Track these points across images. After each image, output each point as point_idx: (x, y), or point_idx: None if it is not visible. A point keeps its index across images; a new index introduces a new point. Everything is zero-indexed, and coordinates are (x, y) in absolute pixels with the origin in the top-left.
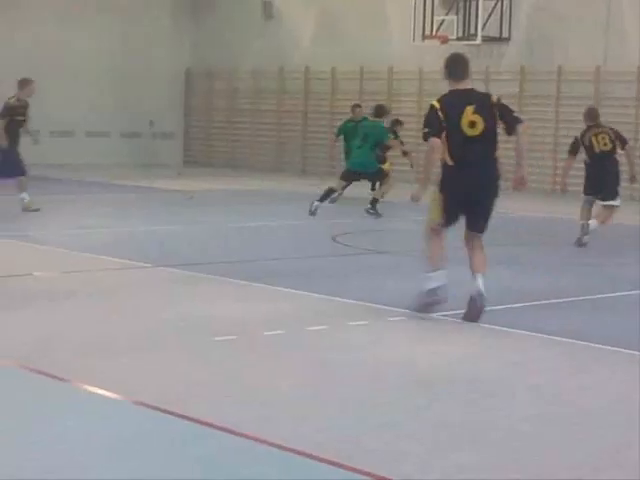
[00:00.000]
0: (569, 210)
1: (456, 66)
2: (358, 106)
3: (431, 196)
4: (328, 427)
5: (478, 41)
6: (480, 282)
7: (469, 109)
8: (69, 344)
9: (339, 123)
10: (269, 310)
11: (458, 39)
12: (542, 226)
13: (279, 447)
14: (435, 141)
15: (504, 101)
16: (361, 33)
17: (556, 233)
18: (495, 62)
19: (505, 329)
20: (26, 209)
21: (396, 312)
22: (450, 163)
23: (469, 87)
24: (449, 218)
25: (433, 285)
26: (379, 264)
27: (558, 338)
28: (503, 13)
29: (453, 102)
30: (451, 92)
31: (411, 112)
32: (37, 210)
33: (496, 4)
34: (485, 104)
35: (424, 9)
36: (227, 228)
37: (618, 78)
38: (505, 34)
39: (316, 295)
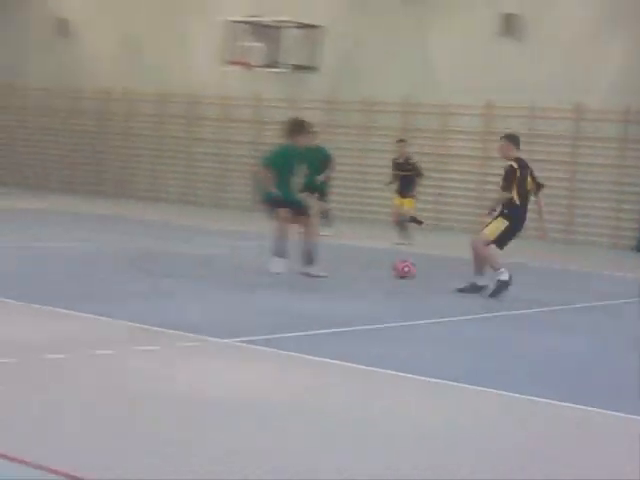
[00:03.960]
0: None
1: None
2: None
3: None
4: (114, 453)
5: (285, 69)
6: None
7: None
8: None
9: (135, 143)
10: (57, 333)
11: (265, 66)
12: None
13: (65, 475)
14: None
15: None
16: (163, 55)
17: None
18: (302, 91)
19: (300, 355)
20: None
21: (189, 337)
22: None
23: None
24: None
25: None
26: (173, 288)
27: (355, 365)
28: (312, 43)
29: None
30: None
31: (213, 137)
32: None
33: (305, 33)
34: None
35: (231, 35)
36: (15, 248)
37: (426, 110)
38: (313, 63)
39: (107, 319)
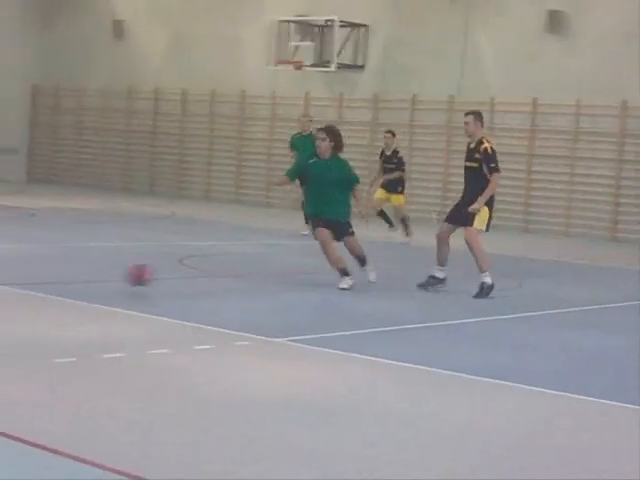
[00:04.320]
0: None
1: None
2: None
3: None
4: (160, 453)
5: (333, 68)
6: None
7: None
8: None
9: (189, 144)
10: (111, 332)
11: (313, 65)
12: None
13: (110, 470)
14: None
15: None
16: (214, 55)
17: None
18: (349, 89)
19: (352, 354)
20: None
21: (242, 337)
22: None
23: None
24: None
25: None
26: (224, 287)
27: (401, 363)
28: (358, 41)
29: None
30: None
31: (263, 136)
32: None
33: (351, 32)
34: None
35: (279, 34)
36: (69, 248)
37: (472, 107)
38: (360, 62)
39: (161, 318)
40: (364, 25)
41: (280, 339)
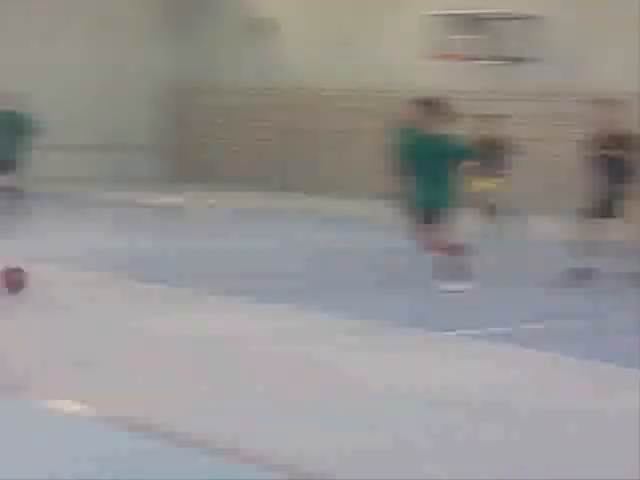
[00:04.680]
0: None
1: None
2: None
3: None
4: (342, 448)
5: (503, 61)
6: None
7: None
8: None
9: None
10: (279, 325)
11: (484, 59)
12: None
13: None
14: None
15: None
16: (357, 51)
17: None
18: (512, 83)
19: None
20: None
21: (408, 331)
22: None
23: None
24: None
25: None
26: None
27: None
28: (532, 33)
29: None
30: None
31: None
32: None
33: (524, 24)
34: None
35: (438, 28)
36: (237, 245)
37: None
38: (533, 54)
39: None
40: (537, 17)
41: (436, 333)
